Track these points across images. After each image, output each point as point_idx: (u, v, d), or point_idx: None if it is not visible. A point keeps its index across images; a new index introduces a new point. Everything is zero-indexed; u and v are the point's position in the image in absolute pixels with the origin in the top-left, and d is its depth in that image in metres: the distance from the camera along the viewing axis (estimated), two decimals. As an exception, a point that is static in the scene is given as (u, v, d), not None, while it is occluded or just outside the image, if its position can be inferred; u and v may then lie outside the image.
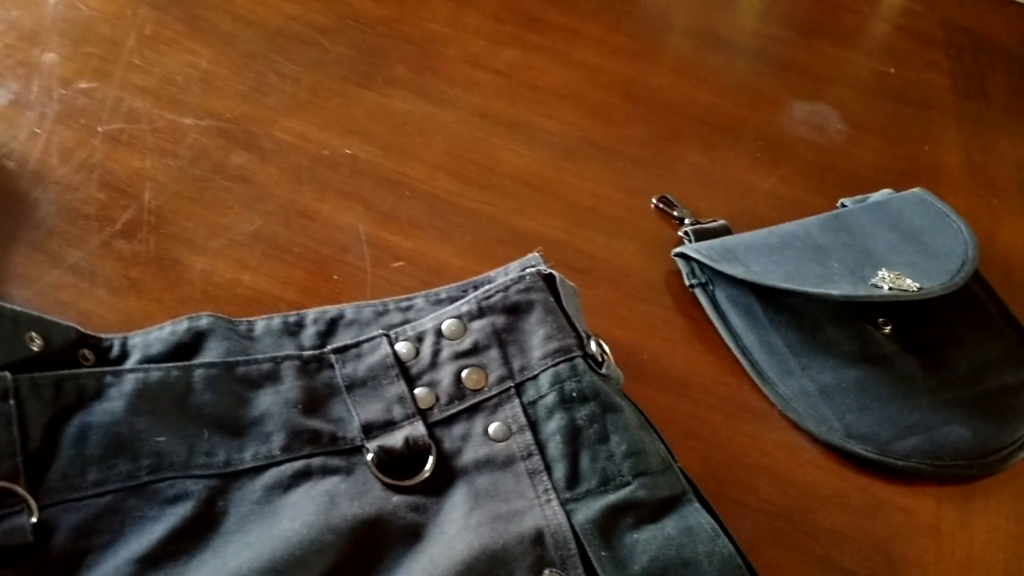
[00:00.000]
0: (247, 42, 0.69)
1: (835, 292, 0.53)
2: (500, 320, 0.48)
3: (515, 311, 0.48)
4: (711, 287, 0.58)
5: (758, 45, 0.83)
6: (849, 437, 0.52)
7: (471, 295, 0.49)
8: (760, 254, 0.58)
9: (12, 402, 0.39)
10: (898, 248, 0.59)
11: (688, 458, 0.46)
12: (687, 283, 0.58)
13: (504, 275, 0.51)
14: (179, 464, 0.41)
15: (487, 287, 0.49)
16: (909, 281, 0.55)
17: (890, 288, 0.55)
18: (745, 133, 0.72)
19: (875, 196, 0.66)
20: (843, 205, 0.66)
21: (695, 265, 0.59)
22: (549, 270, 0.49)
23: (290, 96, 0.65)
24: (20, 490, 0.37)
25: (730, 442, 0.51)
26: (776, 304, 0.57)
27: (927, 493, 0.51)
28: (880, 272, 0.56)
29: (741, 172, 0.69)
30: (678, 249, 0.59)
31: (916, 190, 0.65)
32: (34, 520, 0.37)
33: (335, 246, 0.56)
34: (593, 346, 0.47)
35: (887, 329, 0.57)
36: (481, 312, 0.48)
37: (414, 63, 0.71)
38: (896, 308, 0.58)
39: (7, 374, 0.39)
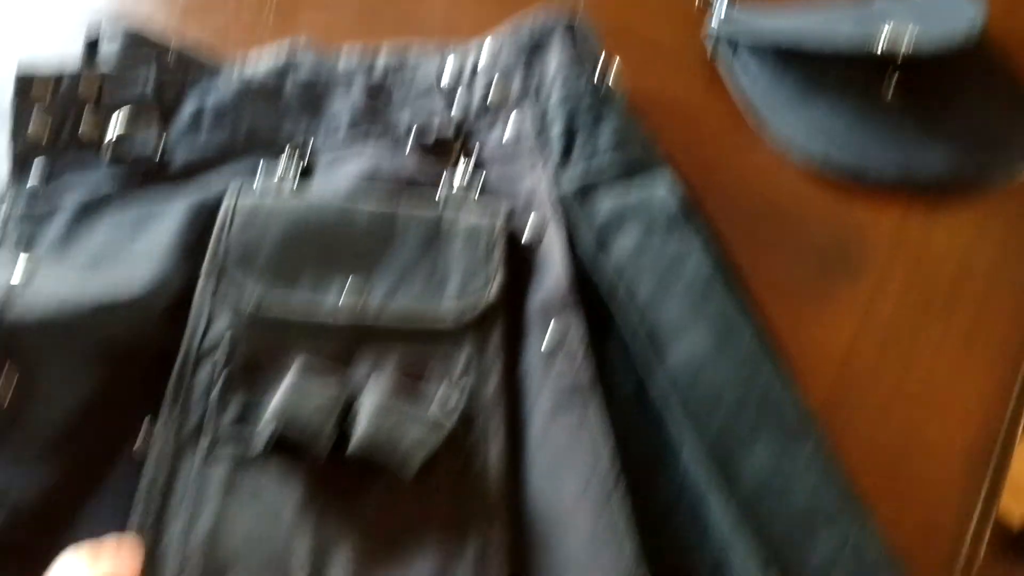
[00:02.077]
0: None
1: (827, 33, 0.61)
2: (527, 50, 0.59)
3: (540, 45, 0.60)
4: (736, 47, 0.66)
5: None
6: (828, 158, 0.59)
7: (510, 32, 0.60)
8: (776, 18, 0.65)
9: (154, 66, 0.55)
10: (911, 15, 0.64)
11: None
12: (712, 46, 0.67)
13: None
14: (265, 141, 0.56)
15: (521, 26, 0.60)
16: (908, 31, 0.61)
17: (888, 37, 0.61)
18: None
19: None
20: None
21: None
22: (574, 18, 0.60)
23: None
24: (155, 120, 0.53)
25: (710, 156, 0.60)
26: (787, 59, 0.64)
27: (896, 202, 0.58)
28: (884, 26, 0.62)
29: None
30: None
31: (957, -15, 0.69)
32: (160, 144, 0.53)
33: (415, 19, 0.69)
34: (597, 69, 0.58)
35: (893, 79, 0.63)
36: (514, 44, 0.60)
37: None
38: (904, 68, 0.64)
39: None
